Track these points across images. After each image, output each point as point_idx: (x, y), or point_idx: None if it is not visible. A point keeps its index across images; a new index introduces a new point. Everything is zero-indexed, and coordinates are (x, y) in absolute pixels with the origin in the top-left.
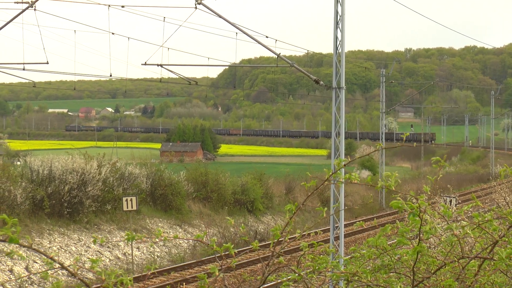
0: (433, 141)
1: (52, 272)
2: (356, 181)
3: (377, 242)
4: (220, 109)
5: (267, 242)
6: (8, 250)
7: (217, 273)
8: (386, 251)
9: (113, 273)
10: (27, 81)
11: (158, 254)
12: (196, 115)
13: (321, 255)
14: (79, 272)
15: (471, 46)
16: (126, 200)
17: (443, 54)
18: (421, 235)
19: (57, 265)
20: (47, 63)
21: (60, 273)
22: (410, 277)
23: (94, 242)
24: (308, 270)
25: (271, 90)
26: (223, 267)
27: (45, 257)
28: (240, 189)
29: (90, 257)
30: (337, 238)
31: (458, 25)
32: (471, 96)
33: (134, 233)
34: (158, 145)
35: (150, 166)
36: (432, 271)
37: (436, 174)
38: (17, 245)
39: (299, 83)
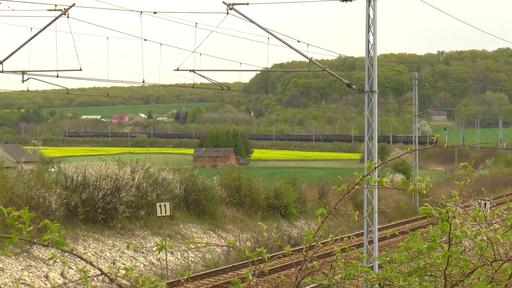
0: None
1: (90, 280)
2: (387, 185)
3: (408, 246)
4: (252, 114)
5: (300, 247)
6: (47, 256)
7: (251, 278)
8: (418, 255)
9: (147, 279)
10: (60, 88)
11: (192, 260)
12: (228, 120)
13: (354, 260)
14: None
15: (504, 48)
16: (160, 205)
17: (476, 56)
18: (451, 239)
19: (92, 272)
20: (80, 69)
21: (95, 279)
22: (442, 281)
23: (128, 248)
24: (340, 275)
25: (303, 94)
26: (256, 272)
27: (81, 263)
28: (273, 193)
29: (124, 262)
30: (370, 242)
31: (491, 27)
32: (505, 98)
33: (165, 241)
34: (191, 151)
35: (183, 171)
36: (465, 275)
37: (472, 178)
38: (59, 250)
39: (331, 87)
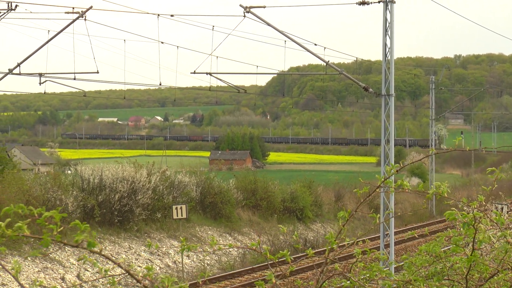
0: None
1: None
2: (407, 188)
3: (430, 249)
4: (268, 117)
5: (316, 250)
6: (66, 263)
7: (274, 281)
8: (439, 258)
9: (170, 280)
10: (77, 90)
11: (208, 262)
12: (244, 123)
13: (373, 263)
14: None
15: None
16: (176, 208)
17: (493, 60)
18: (474, 244)
19: (110, 273)
20: (97, 72)
21: (116, 279)
22: (463, 285)
23: (149, 247)
24: (361, 277)
25: (319, 97)
26: (279, 274)
27: (99, 264)
28: (289, 197)
29: (140, 265)
30: (387, 246)
31: (509, 30)
32: None
33: (186, 243)
34: (207, 153)
35: (199, 174)
36: (485, 279)
37: (489, 182)
38: (89, 251)
39: (347, 91)
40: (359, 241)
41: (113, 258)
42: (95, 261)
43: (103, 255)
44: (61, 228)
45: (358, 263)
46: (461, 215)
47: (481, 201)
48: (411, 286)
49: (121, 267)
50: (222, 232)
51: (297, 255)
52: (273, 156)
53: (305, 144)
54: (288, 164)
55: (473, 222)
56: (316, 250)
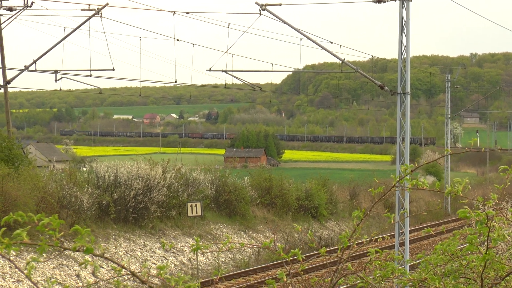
0: (433, 144)
1: (121, 279)
2: (425, 187)
3: (446, 248)
4: (283, 115)
5: (331, 248)
6: (81, 260)
7: (285, 279)
8: (454, 257)
9: (180, 279)
10: (93, 87)
11: (223, 260)
12: (259, 121)
13: (388, 262)
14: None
15: None
16: (191, 205)
17: (509, 58)
18: (489, 242)
19: (124, 271)
20: (113, 69)
21: (126, 277)
22: (478, 283)
23: (163, 246)
24: (375, 276)
25: (335, 95)
26: (291, 272)
27: (95, 268)
28: (304, 194)
29: (155, 262)
30: (402, 244)
31: None
32: None
33: (200, 242)
34: (222, 151)
35: (214, 172)
36: (501, 277)
37: (503, 181)
38: (90, 254)
39: (363, 89)
40: (376, 238)
41: (116, 260)
42: (97, 265)
43: (106, 258)
44: (61, 233)
45: (372, 262)
46: (474, 213)
47: (495, 199)
48: (426, 285)
49: (125, 269)
50: (237, 230)
51: (310, 253)
52: (288, 154)
53: (320, 142)
54: (303, 162)
55: (486, 220)
56: (330, 248)
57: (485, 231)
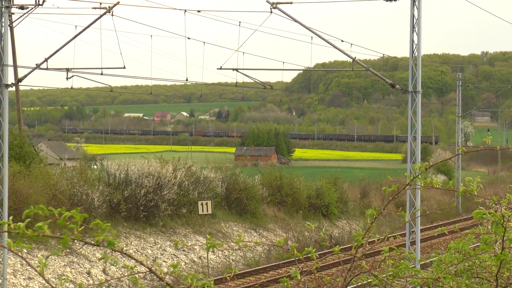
0: (437, 143)
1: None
2: (437, 185)
3: (460, 247)
4: (294, 113)
5: (342, 247)
6: (89, 253)
7: (299, 277)
8: (468, 256)
9: (195, 277)
10: (104, 85)
11: (233, 258)
12: (270, 119)
13: (401, 260)
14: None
15: None
16: (202, 204)
17: None
18: (504, 243)
19: (137, 269)
20: (124, 67)
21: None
22: (493, 283)
23: (175, 245)
24: (388, 274)
25: (345, 94)
26: (304, 270)
27: (123, 260)
28: (314, 193)
29: (166, 260)
30: (413, 243)
31: None
32: None
33: (213, 240)
34: (233, 149)
35: (225, 170)
36: None
37: None
38: (111, 250)
39: (373, 87)
40: (389, 237)
41: (135, 256)
42: (116, 260)
43: (125, 254)
44: (82, 227)
45: (386, 260)
46: (489, 214)
47: (510, 199)
48: (440, 284)
49: (144, 265)
50: (247, 228)
51: (322, 252)
52: (298, 153)
53: (331, 141)
54: (313, 160)
55: (502, 221)
56: (342, 247)
57: (501, 231)
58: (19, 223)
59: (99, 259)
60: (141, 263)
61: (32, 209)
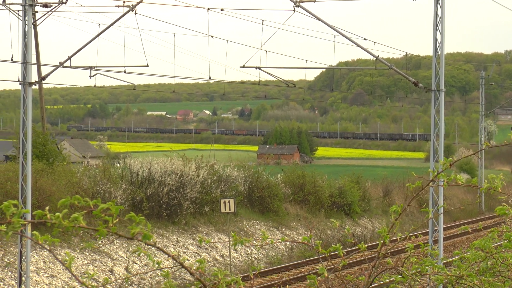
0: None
1: (154, 274)
2: (461, 182)
3: (483, 245)
4: (317, 112)
5: (366, 245)
6: (114, 256)
7: (326, 274)
8: (491, 254)
9: (222, 273)
10: (127, 83)
11: (256, 256)
12: (293, 118)
13: (425, 258)
14: (177, 272)
15: None
16: (224, 202)
17: None
18: None
19: (165, 264)
20: (147, 66)
21: (159, 273)
22: None
23: (200, 242)
24: (412, 272)
25: (368, 92)
26: (330, 268)
27: (143, 259)
28: (337, 191)
29: (188, 258)
30: (435, 242)
31: None
32: None
33: (237, 237)
34: (255, 148)
35: (247, 168)
36: None
37: None
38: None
39: (396, 86)
40: (411, 235)
41: (167, 250)
42: (149, 253)
43: (158, 248)
44: (117, 219)
45: (410, 258)
46: None
47: None
48: (463, 281)
49: (175, 260)
50: (270, 227)
51: (348, 249)
52: (321, 151)
53: (353, 139)
54: (336, 159)
55: None
56: (366, 245)
57: None
58: (57, 213)
59: (133, 252)
60: (173, 258)
61: (68, 198)
